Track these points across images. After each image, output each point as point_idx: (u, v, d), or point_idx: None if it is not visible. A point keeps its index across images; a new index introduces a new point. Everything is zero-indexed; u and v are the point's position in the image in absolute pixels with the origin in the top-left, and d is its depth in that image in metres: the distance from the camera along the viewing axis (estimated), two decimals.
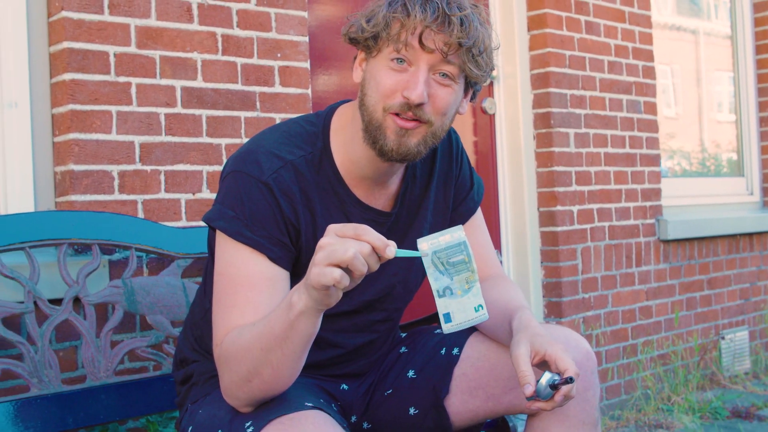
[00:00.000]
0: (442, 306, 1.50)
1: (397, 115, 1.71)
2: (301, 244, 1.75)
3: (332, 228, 1.45)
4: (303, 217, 1.75)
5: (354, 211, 1.83)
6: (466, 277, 1.49)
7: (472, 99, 1.85)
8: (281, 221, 1.72)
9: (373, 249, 1.42)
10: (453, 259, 1.49)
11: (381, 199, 1.88)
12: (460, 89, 1.76)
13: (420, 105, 1.69)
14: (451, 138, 2.00)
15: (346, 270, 1.42)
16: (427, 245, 1.48)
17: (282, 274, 1.70)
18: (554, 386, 1.61)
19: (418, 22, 1.67)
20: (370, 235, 1.42)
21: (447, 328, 1.51)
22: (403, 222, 1.91)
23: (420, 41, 1.67)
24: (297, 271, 1.74)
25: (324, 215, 1.78)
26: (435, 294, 1.50)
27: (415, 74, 1.69)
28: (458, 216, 2.01)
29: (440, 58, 1.69)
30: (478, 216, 2.07)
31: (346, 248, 1.40)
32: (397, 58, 1.70)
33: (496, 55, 1.80)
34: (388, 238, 1.53)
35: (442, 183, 1.98)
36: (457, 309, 1.50)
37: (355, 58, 1.82)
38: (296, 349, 1.55)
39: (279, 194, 1.73)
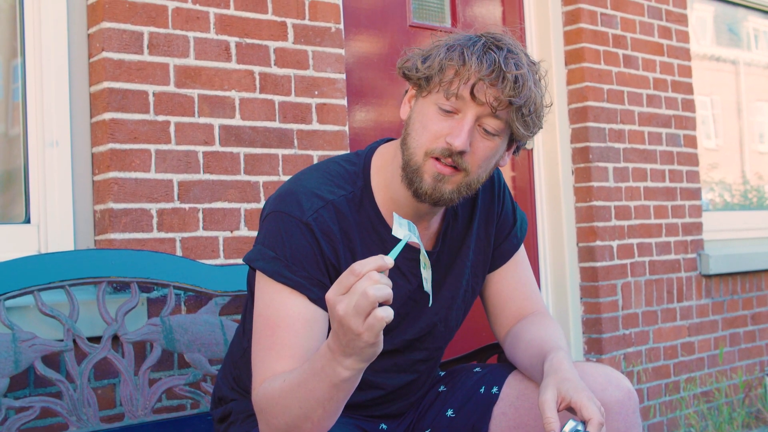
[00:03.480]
0: (427, 276, 1.51)
1: (437, 160, 1.71)
2: None
3: (331, 294, 1.41)
4: (343, 258, 1.74)
5: None
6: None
7: (515, 153, 1.84)
8: (321, 262, 1.71)
9: (378, 270, 1.39)
10: (416, 233, 1.50)
11: (422, 238, 1.86)
12: (503, 144, 1.76)
13: (461, 153, 1.69)
14: (492, 175, 1.99)
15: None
16: (402, 231, 1.47)
17: (321, 316, 1.69)
18: None
19: (472, 72, 1.66)
20: (366, 264, 1.39)
21: (427, 288, 1.52)
22: (444, 260, 1.90)
23: (471, 92, 1.67)
24: None
25: (364, 255, 1.76)
26: (422, 266, 1.50)
27: (461, 122, 1.69)
28: (501, 253, 2.00)
29: (489, 111, 1.68)
30: (521, 253, 2.05)
31: (364, 292, 1.36)
32: (446, 109, 1.70)
33: (547, 113, 1.79)
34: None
35: (484, 220, 1.97)
36: (428, 275, 1.51)
37: (405, 92, 1.82)
38: (339, 405, 1.54)
39: (319, 234, 1.72)
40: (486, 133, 1.71)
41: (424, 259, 1.51)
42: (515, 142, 1.80)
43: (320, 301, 1.69)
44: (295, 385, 1.55)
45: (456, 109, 1.70)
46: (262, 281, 1.73)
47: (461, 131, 1.68)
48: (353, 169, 1.84)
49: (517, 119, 1.69)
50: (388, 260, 1.39)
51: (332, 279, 1.72)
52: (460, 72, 1.67)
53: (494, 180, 1.99)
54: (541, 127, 1.78)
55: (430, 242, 1.89)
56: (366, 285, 1.36)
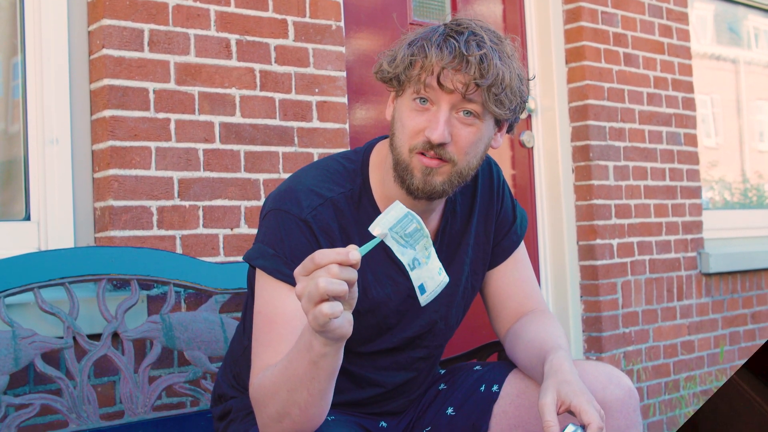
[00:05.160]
0: (416, 278, 1.48)
1: (423, 154, 1.71)
2: None
3: (296, 272, 1.42)
4: None
5: None
6: (424, 244, 1.48)
7: (509, 131, 1.84)
8: None
9: (340, 264, 1.38)
10: (408, 230, 1.47)
11: None
12: (488, 126, 1.75)
13: (442, 145, 1.69)
14: (492, 172, 1.99)
15: (333, 299, 1.39)
16: (378, 229, 1.45)
17: None
18: None
19: (435, 63, 1.67)
20: (327, 256, 1.38)
21: (423, 299, 1.49)
22: (443, 258, 1.89)
23: (438, 82, 1.68)
24: None
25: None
26: (407, 269, 1.48)
27: (436, 114, 1.69)
28: (501, 251, 2.00)
29: (460, 98, 1.68)
30: (521, 250, 2.05)
31: (316, 282, 1.36)
32: (420, 98, 1.71)
33: (533, 85, 1.79)
34: None
35: (483, 218, 1.97)
36: (427, 277, 1.49)
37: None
38: (322, 387, 1.53)
39: (318, 232, 1.72)
40: (465, 120, 1.71)
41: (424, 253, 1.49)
42: (504, 121, 1.79)
43: None
44: (283, 368, 1.55)
45: (431, 101, 1.70)
46: (262, 279, 1.73)
47: (437, 124, 1.68)
48: (352, 167, 1.84)
49: (490, 99, 1.69)
50: (354, 255, 1.38)
51: None
52: (424, 64, 1.68)
53: (494, 177, 1.99)
54: (525, 101, 1.77)
55: None
56: (320, 276, 1.36)
